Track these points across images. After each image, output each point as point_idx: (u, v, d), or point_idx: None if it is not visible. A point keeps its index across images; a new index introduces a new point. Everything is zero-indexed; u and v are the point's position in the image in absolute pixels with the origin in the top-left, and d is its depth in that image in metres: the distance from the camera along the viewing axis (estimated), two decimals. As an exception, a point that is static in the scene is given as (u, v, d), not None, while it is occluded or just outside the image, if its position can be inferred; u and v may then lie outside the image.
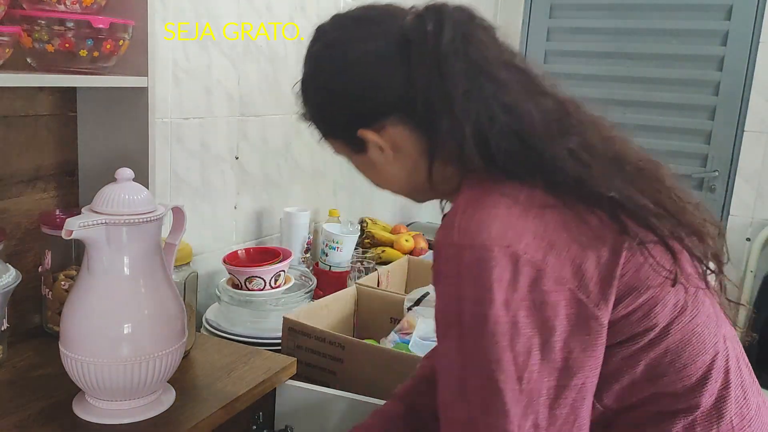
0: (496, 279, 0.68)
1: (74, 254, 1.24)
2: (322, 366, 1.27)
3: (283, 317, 1.32)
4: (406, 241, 2.15)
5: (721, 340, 0.78)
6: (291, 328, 1.31)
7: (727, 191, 2.71)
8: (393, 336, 1.34)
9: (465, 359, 0.70)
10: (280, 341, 1.36)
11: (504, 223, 0.70)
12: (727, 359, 0.77)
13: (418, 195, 0.91)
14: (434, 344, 1.27)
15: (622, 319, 0.73)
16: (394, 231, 2.25)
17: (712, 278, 0.79)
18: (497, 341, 0.68)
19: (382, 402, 1.13)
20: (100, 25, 1.07)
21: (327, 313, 1.44)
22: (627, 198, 0.73)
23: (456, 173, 0.81)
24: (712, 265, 0.79)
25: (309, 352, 1.28)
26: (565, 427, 0.71)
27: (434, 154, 0.82)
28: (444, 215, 0.81)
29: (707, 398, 0.75)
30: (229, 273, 1.53)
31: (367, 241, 2.18)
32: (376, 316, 1.50)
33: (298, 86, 0.90)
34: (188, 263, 1.25)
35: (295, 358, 1.25)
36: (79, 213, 0.96)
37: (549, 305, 0.69)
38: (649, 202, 0.74)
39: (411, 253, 2.13)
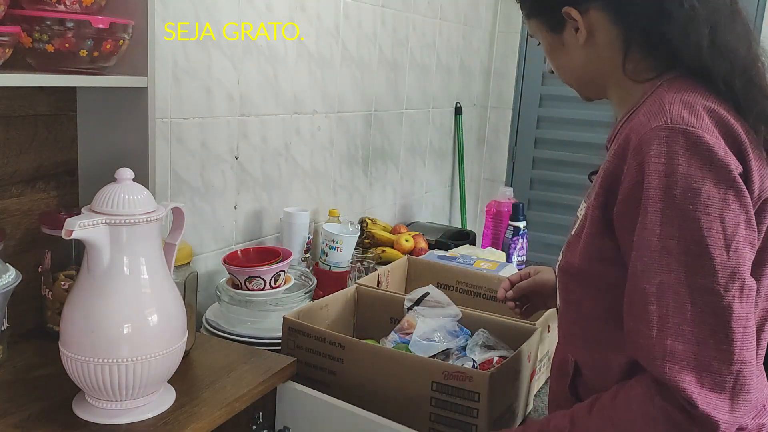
0: (708, 161, 0.79)
1: (74, 254, 1.24)
2: (322, 366, 1.27)
3: (283, 317, 1.32)
4: (406, 241, 2.15)
5: None
6: (291, 328, 1.31)
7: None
8: (393, 336, 1.34)
9: (670, 229, 0.80)
10: (280, 341, 1.36)
11: (708, 119, 0.82)
12: None
13: (589, 88, 1.01)
14: (434, 344, 1.28)
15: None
16: (394, 231, 2.25)
17: None
18: (709, 212, 0.79)
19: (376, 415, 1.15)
20: (100, 25, 1.07)
21: (327, 313, 1.44)
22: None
23: (650, 68, 0.92)
24: None
25: (309, 352, 1.28)
26: (752, 296, 0.80)
27: (631, 44, 0.92)
28: (618, 120, 0.96)
29: None
30: (229, 273, 1.53)
31: (367, 241, 2.18)
32: (376, 316, 1.50)
33: None
34: (188, 263, 1.25)
35: (295, 358, 1.25)
36: (79, 213, 0.96)
37: (744, 191, 0.80)
38: None
39: (411, 253, 2.13)
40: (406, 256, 1.75)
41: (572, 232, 0.96)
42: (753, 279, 0.81)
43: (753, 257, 0.82)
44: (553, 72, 1.05)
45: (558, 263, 0.99)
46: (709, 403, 0.78)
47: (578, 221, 0.95)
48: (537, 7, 0.99)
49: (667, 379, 0.79)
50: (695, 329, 0.79)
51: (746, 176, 0.82)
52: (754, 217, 0.81)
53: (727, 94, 0.86)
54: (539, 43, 1.04)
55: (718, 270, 0.79)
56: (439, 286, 1.56)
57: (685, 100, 0.84)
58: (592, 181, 1.00)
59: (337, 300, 1.48)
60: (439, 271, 1.68)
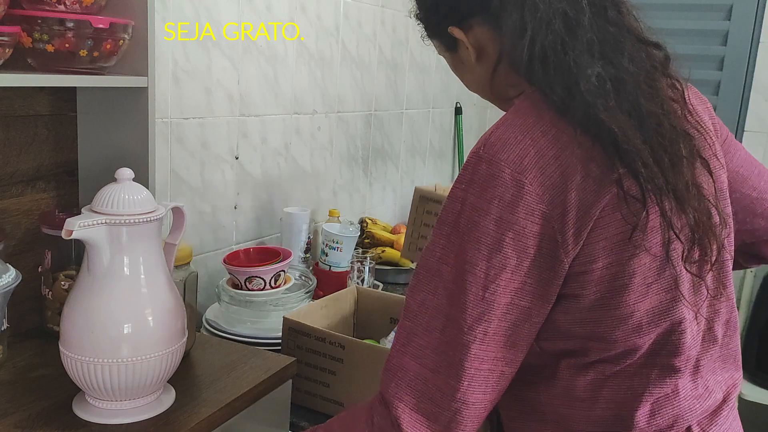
0: (498, 196, 0.75)
1: (74, 254, 1.24)
2: (322, 366, 1.27)
3: (283, 317, 1.32)
4: (406, 241, 2.15)
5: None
6: (291, 328, 1.31)
7: (727, 191, 2.71)
8: (393, 336, 1.34)
9: (446, 253, 0.79)
10: (280, 341, 1.36)
11: (525, 150, 0.76)
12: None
13: (498, 101, 0.96)
14: None
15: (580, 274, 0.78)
16: (394, 231, 2.25)
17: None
18: (479, 249, 0.76)
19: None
20: (100, 25, 1.07)
21: (327, 313, 1.44)
22: (624, 137, 0.75)
23: (518, 84, 0.85)
24: (683, 237, 0.78)
25: (309, 352, 1.29)
26: (504, 340, 0.77)
27: (502, 56, 0.87)
28: None
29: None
30: (229, 273, 1.53)
31: (367, 241, 2.18)
32: (376, 316, 1.50)
33: None
34: (188, 263, 1.25)
35: (295, 358, 1.25)
36: (79, 213, 0.96)
37: (532, 236, 0.75)
38: (647, 151, 0.76)
39: (411, 253, 2.13)
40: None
41: None
42: (510, 326, 0.77)
43: (517, 301, 0.77)
44: None
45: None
46: (416, 428, 0.77)
47: None
48: (429, 29, 0.97)
49: (389, 394, 0.79)
50: (434, 356, 0.78)
51: (561, 209, 0.75)
52: (525, 264, 0.76)
53: (565, 110, 0.78)
54: None
55: (469, 307, 0.76)
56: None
57: (513, 126, 0.78)
58: None
59: (337, 300, 1.48)
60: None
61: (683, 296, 0.79)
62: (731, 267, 0.90)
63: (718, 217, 0.82)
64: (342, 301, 1.50)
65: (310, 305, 1.43)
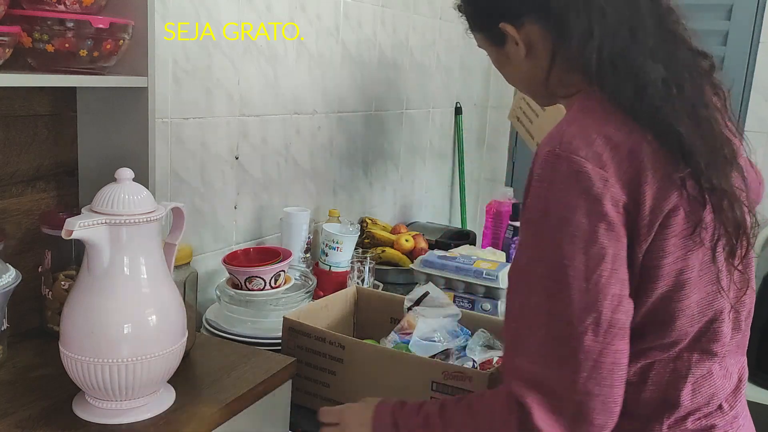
0: (585, 190, 0.79)
1: (74, 254, 1.24)
2: (322, 366, 1.27)
3: (283, 317, 1.32)
4: (406, 241, 2.15)
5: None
6: (291, 328, 1.31)
7: (727, 191, 2.71)
8: (393, 336, 1.35)
9: (538, 252, 0.82)
10: (280, 341, 1.36)
11: (601, 148, 0.80)
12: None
13: (540, 97, 1.02)
14: (434, 344, 1.28)
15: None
16: (394, 231, 2.25)
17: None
18: (574, 242, 0.79)
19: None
20: (100, 25, 1.07)
21: (327, 313, 1.44)
22: (689, 139, 0.82)
23: (574, 83, 0.91)
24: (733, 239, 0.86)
25: (309, 352, 1.29)
26: (618, 332, 0.80)
27: (557, 56, 0.91)
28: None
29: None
30: (229, 273, 1.53)
31: (367, 241, 2.18)
32: (376, 316, 1.51)
33: None
34: (188, 263, 1.25)
35: (295, 358, 1.25)
36: (79, 213, 0.96)
37: (621, 225, 0.80)
38: (706, 153, 0.83)
39: (411, 252, 2.13)
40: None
41: None
42: (618, 314, 0.80)
43: (619, 290, 0.80)
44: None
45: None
46: (546, 422, 0.80)
47: None
48: (476, 23, 1.02)
49: (515, 393, 0.82)
50: (545, 353, 0.81)
51: (636, 202, 0.80)
52: (622, 252, 0.80)
53: (634, 112, 0.84)
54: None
55: (574, 300, 0.79)
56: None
57: (584, 124, 0.83)
58: None
59: (337, 300, 1.48)
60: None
61: (722, 288, 0.87)
62: (753, 261, 0.96)
63: (750, 216, 0.88)
64: (342, 301, 1.50)
65: (310, 305, 1.43)
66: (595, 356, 0.79)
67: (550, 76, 0.94)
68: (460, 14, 1.05)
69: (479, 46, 1.05)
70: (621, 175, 0.80)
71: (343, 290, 1.53)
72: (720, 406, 0.89)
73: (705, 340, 0.87)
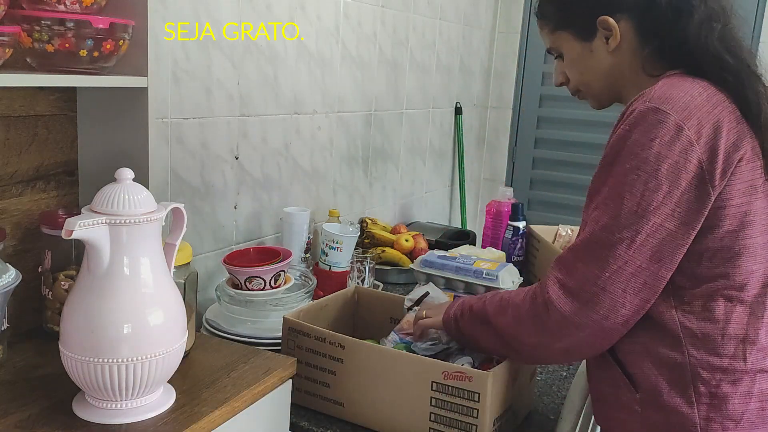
0: (660, 136, 0.94)
1: (74, 254, 1.24)
2: (322, 366, 1.27)
3: (284, 317, 1.32)
4: (406, 241, 2.15)
5: None
6: (291, 328, 1.31)
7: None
8: (393, 336, 1.35)
9: (608, 179, 0.98)
10: (280, 341, 1.35)
11: (686, 104, 0.95)
12: None
13: (609, 93, 1.14)
14: (434, 344, 1.28)
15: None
16: (394, 231, 2.25)
17: None
18: (637, 174, 0.95)
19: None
20: (100, 25, 1.07)
21: (327, 314, 1.44)
22: (764, 112, 1.00)
23: (659, 67, 1.06)
24: None
25: (309, 352, 1.29)
26: (650, 253, 0.95)
27: (647, 50, 1.06)
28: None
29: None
30: (229, 273, 1.53)
31: (367, 241, 2.18)
32: (376, 316, 1.51)
33: None
34: (188, 263, 1.25)
35: (295, 358, 1.25)
36: (79, 213, 0.96)
37: (685, 171, 0.94)
38: (765, 119, 1.00)
39: (411, 252, 2.13)
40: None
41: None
42: (653, 239, 0.95)
43: (663, 222, 0.95)
44: (562, 84, 1.19)
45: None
46: (560, 297, 0.99)
47: None
48: (568, 18, 1.12)
49: (549, 272, 1.02)
50: (585, 250, 0.99)
51: (712, 154, 0.94)
52: (676, 192, 0.94)
53: (726, 89, 1.00)
54: (556, 56, 1.17)
55: (621, 216, 0.95)
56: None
57: (672, 85, 0.98)
58: None
59: (337, 300, 1.48)
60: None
61: None
62: None
63: None
64: (342, 301, 1.50)
65: (310, 305, 1.43)
66: (621, 263, 0.96)
67: (641, 64, 1.07)
68: (540, 17, 1.15)
69: (550, 47, 1.16)
70: (699, 129, 0.94)
71: (343, 290, 1.53)
72: None
73: None
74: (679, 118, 0.94)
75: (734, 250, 0.98)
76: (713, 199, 0.95)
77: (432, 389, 1.17)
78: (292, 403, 1.25)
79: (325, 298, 1.46)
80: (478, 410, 1.14)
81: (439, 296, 1.40)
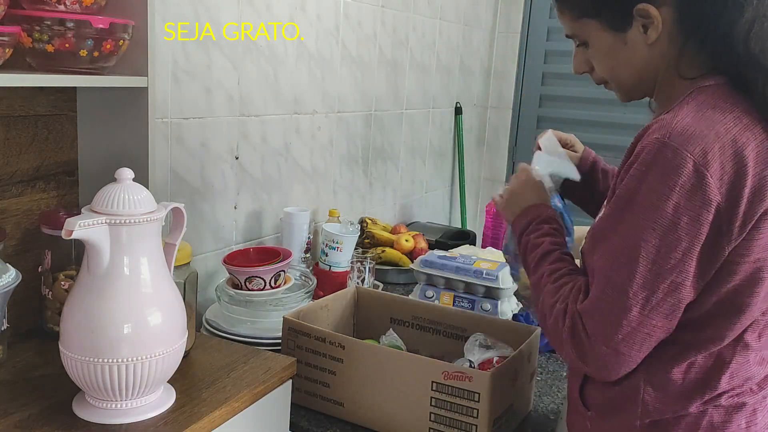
0: (680, 184, 0.84)
1: (74, 254, 1.24)
2: (322, 366, 1.28)
3: (284, 317, 1.32)
4: (406, 241, 2.15)
5: None
6: (291, 328, 1.31)
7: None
8: (391, 331, 1.33)
9: (620, 226, 0.89)
10: (280, 341, 1.36)
11: (709, 145, 0.84)
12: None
13: (641, 87, 1.02)
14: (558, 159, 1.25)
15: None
16: (394, 231, 2.25)
17: None
18: (654, 228, 0.86)
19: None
20: (100, 25, 1.07)
21: (327, 314, 1.44)
22: None
23: (695, 67, 0.94)
24: None
25: (309, 352, 1.29)
26: (665, 312, 0.88)
27: (688, 43, 0.93)
28: (656, 114, 0.99)
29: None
30: (229, 273, 1.53)
31: (367, 241, 2.18)
32: (376, 316, 1.51)
33: None
34: (188, 263, 1.25)
35: (295, 358, 1.25)
36: (79, 213, 0.96)
37: (705, 223, 0.85)
38: None
39: (411, 253, 2.13)
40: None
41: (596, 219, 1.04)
42: (670, 298, 0.88)
43: (681, 280, 0.87)
44: (584, 73, 1.07)
45: (581, 246, 1.04)
46: (571, 346, 0.93)
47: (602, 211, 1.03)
48: (600, 5, 0.98)
49: (571, 306, 0.94)
50: (596, 306, 0.91)
51: (732, 203, 0.85)
52: (696, 248, 0.86)
53: (760, 102, 0.89)
54: (578, 44, 1.06)
55: (636, 276, 0.87)
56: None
57: (698, 117, 0.87)
58: None
59: (337, 300, 1.48)
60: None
61: None
62: None
63: None
64: (342, 301, 1.50)
65: (310, 305, 1.43)
66: (635, 325, 0.88)
67: (681, 60, 0.95)
68: (560, 1, 1.04)
69: (573, 35, 1.04)
70: (722, 176, 0.84)
71: (343, 290, 1.53)
72: (751, 388, 0.96)
73: (749, 333, 0.94)
74: (700, 162, 0.83)
75: (734, 306, 0.91)
76: (726, 253, 0.87)
77: (432, 389, 1.17)
78: (292, 403, 1.25)
79: (325, 298, 1.47)
80: (478, 410, 1.14)
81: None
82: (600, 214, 0.98)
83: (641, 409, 0.96)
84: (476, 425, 1.15)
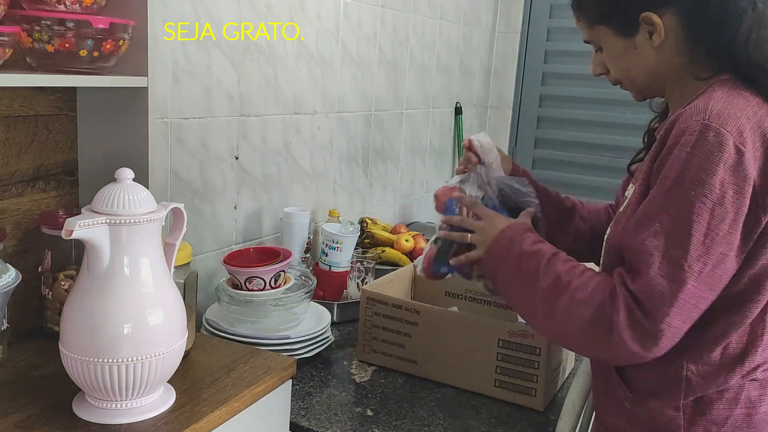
0: (723, 160, 0.91)
1: (74, 254, 1.24)
2: (398, 330, 1.47)
3: (363, 289, 1.53)
4: (406, 241, 2.15)
5: None
6: (370, 297, 1.49)
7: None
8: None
9: (668, 205, 0.93)
10: (280, 341, 1.36)
11: (743, 126, 0.92)
12: None
13: (653, 88, 1.10)
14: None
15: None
16: (394, 231, 2.25)
17: None
18: (704, 203, 0.91)
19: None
20: (100, 25, 1.07)
21: (392, 287, 1.63)
22: None
23: (706, 69, 1.02)
24: None
25: (386, 318, 1.47)
26: (711, 283, 0.93)
27: (695, 47, 1.01)
28: (671, 114, 1.04)
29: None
30: (229, 273, 1.53)
31: (367, 241, 2.18)
32: (432, 291, 1.72)
33: None
34: (188, 263, 1.25)
35: (296, 359, 1.25)
36: (79, 213, 0.96)
37: (747, 195, 0.92)
38: None
39: (411, 253, 2.13)
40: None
41: (620, 210, 1.08)
42: (718, 270, 0.93)
43: (727, 251, 0.93)
44: (601, 75, 1.14)
45: (606, 234, 1.10)
46: (626, 329, 0.94)
47: (626, 201, 1.06)
48: (610, 13, 1.06)
49: (616, 286, 0.96)
50: (651, 283, 0.93)
51: (764, 178, 0.92)
52: (740, 220, 0.92)
53: None
54: (596, 49, 1.12)
55: (691, 249, 0.91)
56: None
57: (728, 103, 0.94)
58: (630, 172, 1.19)
59: (397, 276, 1.70)
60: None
61: None
62: None
63: None
64: (403, 278, 1.71)
65: (379, 280, 1.62)
66: (688, 297, 0.92)
67: (691, 63, 1.02)
68: (577, 9, 1.10)
69: (588, 40, 1.11)
70: (755, 153, 0.92)
71: (402, 269, 1.74)
72: None
73: None
74: (738, 141, 0.91)
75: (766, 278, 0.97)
76: (763, 224, 0.94)
77: (498, 346, 1.38)
78: (292, 403, 1.25)
79: (389, 274, 1.68)
80: (538, 362, 1.35)
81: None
82: (637, 201, 1.00)
83: (685, 386, 1.00)
84: (536, 375, 1.35)
